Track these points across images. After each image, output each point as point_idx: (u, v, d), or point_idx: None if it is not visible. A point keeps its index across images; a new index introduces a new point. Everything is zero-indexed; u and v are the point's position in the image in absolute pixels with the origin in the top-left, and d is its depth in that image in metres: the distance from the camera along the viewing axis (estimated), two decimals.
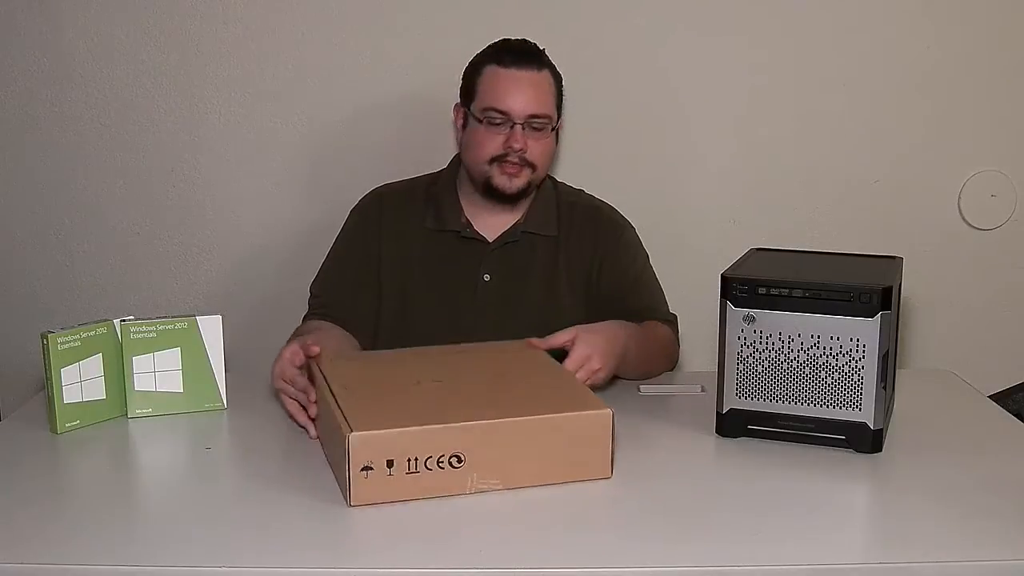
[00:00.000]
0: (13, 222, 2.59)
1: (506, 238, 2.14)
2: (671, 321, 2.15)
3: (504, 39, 2.13)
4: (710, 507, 1.47)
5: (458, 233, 2.14)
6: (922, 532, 1.38)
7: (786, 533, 1.38)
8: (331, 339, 1.95)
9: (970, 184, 2.59)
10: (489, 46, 2.12)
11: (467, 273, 2.12)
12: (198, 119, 2.53)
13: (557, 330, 1.87)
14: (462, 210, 2.15)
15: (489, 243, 2.14)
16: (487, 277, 2.12)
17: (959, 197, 2.60)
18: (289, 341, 1.90)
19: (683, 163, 2.59)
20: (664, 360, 2.09)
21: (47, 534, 1.37)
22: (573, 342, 1.81)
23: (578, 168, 2.47)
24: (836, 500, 1.50)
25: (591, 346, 1.82)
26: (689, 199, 2.59)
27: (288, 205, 2.58)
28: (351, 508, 1.43)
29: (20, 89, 2.53)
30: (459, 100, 2.16)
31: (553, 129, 2.10)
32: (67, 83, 2.52)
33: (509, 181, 2.07)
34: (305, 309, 2.25)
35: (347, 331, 2.08)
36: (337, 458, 1.48)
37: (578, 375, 1.76)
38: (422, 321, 2.08)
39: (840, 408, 1.61)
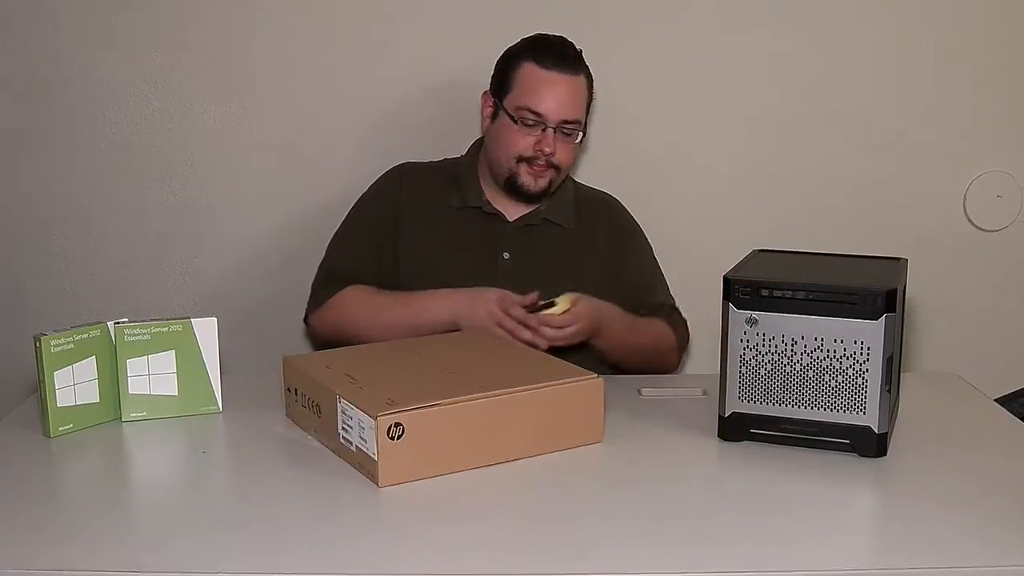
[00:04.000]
0: (6, 223, 2.59)
1: (526, 220, 2.19)
2: (679, 321, 2.21)
3: (544, 35, 2.15)
4: (712, 512, 1.47)
5: (480, 209, 2.19)
6: (928, 537, 1.37)
7: (789, 539, 1.38)
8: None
9: (976, 185, 2.59)
10: (529, 40, 2.15)
11: (487, 251, 2.16)
12: (193, 119, 2.53)
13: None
14: (483, 191, 2.21)
15: (509, 222, 2.18)
16: (506, 255, 2.15)
17: (964, 198, 2.60)
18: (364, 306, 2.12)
19: (685, 163, 2.59)
20: (657, 354, 2.15)
21: (40, 539, 1.37)
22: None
23: (580, 167, 2.47)
24: (840, 505, 1.49)
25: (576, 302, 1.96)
26: (691, 199, 2.60)
27: (285, 206, 2.58)
28: (352, 511, 1.44)
29: (11, 90, 2.52)
30: (489, 88, 2.19)
31: (583, 134, 2.15)
32: (58, 83, 2.52)
33: (534, 182, 2.14)
34: (300, 310, 2.26)
35: None
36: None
37: (552, 322, 1.92)
38: None
39: (844, 412, 1.61)
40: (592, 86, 2.18)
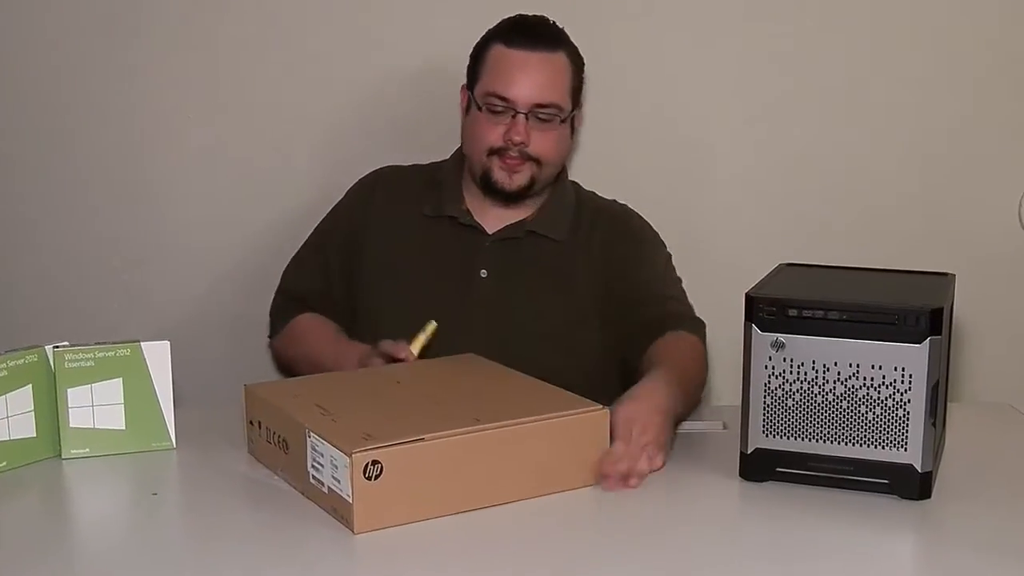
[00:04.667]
0: None
1: (507, 233, 2.17)
2: (698, 326, 2.15)
3: (521, 15, 2.16)
4: (733, 562, 1.46)
5: (455, 220, 2.18)
6: None
7: None
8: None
9: None
10: (503, 21, 2.16)
11: (463, 268, 2.15)
12: (143, 114, 2.53)
13: (572, 343, 2.08)
14: (463, 199, 2.20)
15: (488, 235, 2.17)
16: (484, 273, 2.15)
17: (1020, 205, 2.60)
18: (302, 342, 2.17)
19: (703, 167, 2.59)
20: (703, 376, 2.08)
21: None
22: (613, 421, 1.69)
23: (589, 173, 2.47)
24: (878, 553, 1.49)
25: (635, 415, 1.70)
26: (710, 207, 2.60)
27: (248, 216, 2.57)
28: (321, 561, 1.43)
29: None
30: (466, 80, 2.20)
31: (563, 120, 2.13)
32: None
33: (509, 177, 2.12)
34: (266, 332, 2.26)
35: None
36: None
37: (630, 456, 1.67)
38: (411, 317, 2.06)
39: (883, 448, 1.60)
40: (580, 66, 2.17)
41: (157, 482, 1.73)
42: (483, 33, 2.17)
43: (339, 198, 2.31)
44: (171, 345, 1.81)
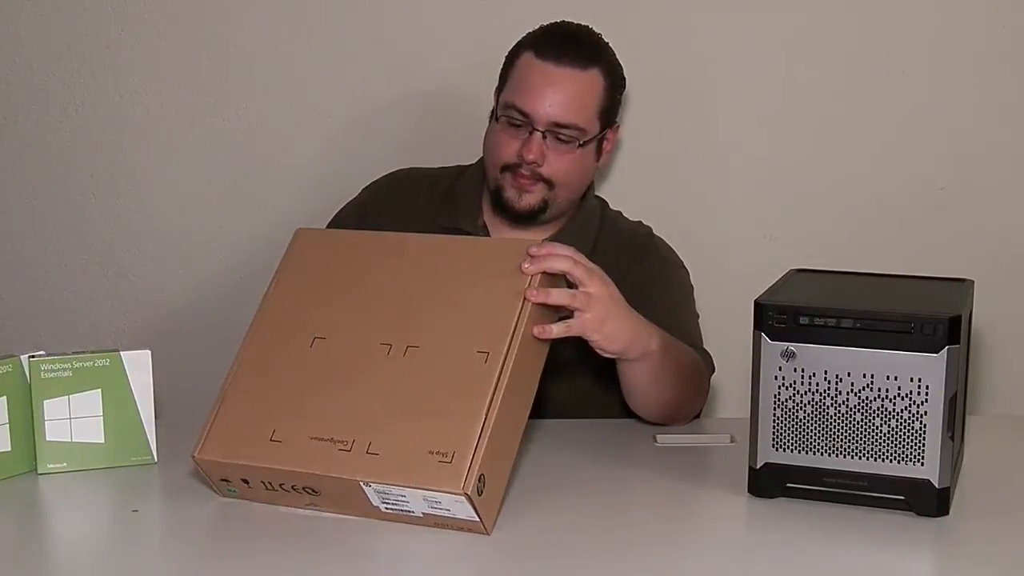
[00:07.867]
0: None
1: None
2: (704, 355, 2.13)
3: (563, 23, 2.14)
4: None
5: (470, 236, 2.15)
6: None
7: None
8: None
9: None
10: (542, 27, 2.14)
11: None
12: (123, 112, 2.54)
13: (582, 367, 2.00)
14: (481, 212, 2.20)
15: None
16: None
17: None
18: None
19: (709, 168, 2.59)
20: (692, 382, 2.04)
21: None
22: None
23: (596, 179, 2.47)
24: (894, 573, 1.50)
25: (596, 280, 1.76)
26: (717, 210, 2.60)
27: (235, 218, 2.58)
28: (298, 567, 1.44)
29: None
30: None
31: (584, 144, 2.10)
32: None
33: (519, 196, 2.10)
34: None
35: None
36: None
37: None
38: None
39: (898, 462, 1.61)
40: (617, 85, 2.14)
41: (138, 498, 1.72)
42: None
43: (330, 207, 2.29)
44: (153, 354, 1.81)
